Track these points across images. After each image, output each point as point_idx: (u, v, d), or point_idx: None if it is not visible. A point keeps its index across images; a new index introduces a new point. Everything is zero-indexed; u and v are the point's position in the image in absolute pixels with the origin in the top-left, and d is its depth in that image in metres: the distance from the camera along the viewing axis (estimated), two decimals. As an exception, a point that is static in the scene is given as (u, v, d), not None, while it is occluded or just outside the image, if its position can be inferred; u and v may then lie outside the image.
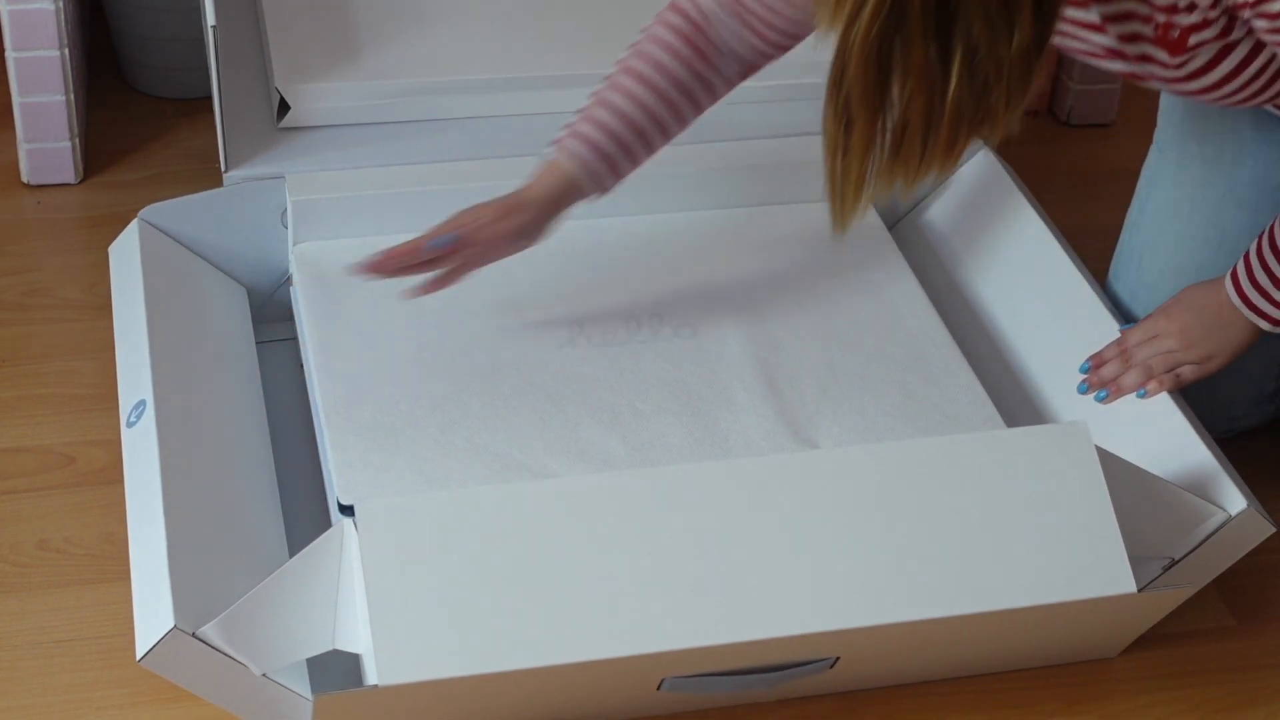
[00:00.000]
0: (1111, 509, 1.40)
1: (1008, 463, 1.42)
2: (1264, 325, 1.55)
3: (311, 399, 1.59)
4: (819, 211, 1.77)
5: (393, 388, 1.55)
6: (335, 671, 1.43)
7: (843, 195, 1.34)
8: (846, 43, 1.24)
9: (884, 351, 1.63)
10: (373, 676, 1.30)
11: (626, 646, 1.32)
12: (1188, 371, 1.57)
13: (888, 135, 1.29)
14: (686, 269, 1.71)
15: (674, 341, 1.63)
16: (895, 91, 1.26)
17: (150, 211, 1.67)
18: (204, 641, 1.30)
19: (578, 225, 1.74)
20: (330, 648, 1.35)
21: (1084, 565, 1.39)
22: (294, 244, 1.69)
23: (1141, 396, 1.57)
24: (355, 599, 1.32)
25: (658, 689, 1.40)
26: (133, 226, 1.66)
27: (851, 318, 1.67)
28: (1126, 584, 1.39)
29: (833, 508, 1.38)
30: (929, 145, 1.29)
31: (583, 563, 1.33)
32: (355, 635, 1.33)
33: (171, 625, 1.29)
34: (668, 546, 1.35)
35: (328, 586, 1.33)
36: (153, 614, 1.32)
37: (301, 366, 1.64)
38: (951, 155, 1.30)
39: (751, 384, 1.58)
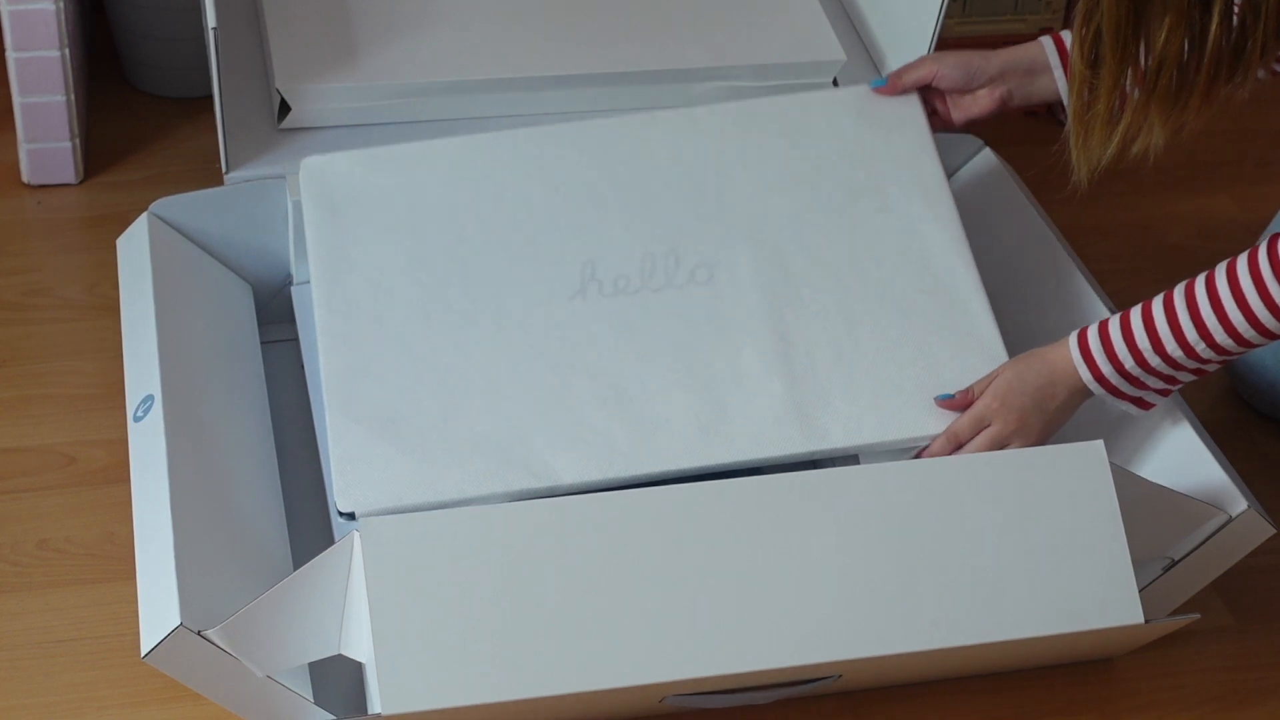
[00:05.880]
0: (1124, 536, 1.40)
1: (1019, 484, 1.41)
2: (1098, 389, 1.46)
3: (311, 383, 1.58)
4: (852, 98, 1.67)
5: (396, 355, 1.50)
6: (338, 673, 1.43)
7: (1087, 133, 1.34)
8: None
9: (909, 303, 1.56)
10: (376, 705, 1.30)
11: (630, 676, 1.32)
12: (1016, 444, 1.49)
13: (1140, 75, 1.26)
14: (709, 184, 1.61)
15: (689, 289, 1.55)
16: (1151, 29, 1.24)
17: (160, 205, 1.67)
18: (209, 640, 1.30)
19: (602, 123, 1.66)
20: (335, 653, 1.35)
21: (1091, 594, 1.38)
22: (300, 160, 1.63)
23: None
24: (361, 608, 1.32)
25: (659, 702, 1.40)
26: (142, 220, 1.66)
27: (879, 255, 1.58)
28: (1134, 615, 1.39)
29: (839, 530, 1.37)
30: (1184, 88, 1.26)
31: (585, 587, 1.33)
32: (360, 643, 1.33)
33: (177, 623, 1.29)
34: (670, 570, 1.34)
35: (335, 596, 1.33)
36: (158, 611, 1.32)
37: (303, 367, 1.63)
38: (1209, 101, 1.28)
39: (766, 348, 1.52)
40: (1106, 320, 1.46)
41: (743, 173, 1.62)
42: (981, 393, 1.49)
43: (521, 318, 1.53)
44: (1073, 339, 1.47)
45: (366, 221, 1.58)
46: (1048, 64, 1.66)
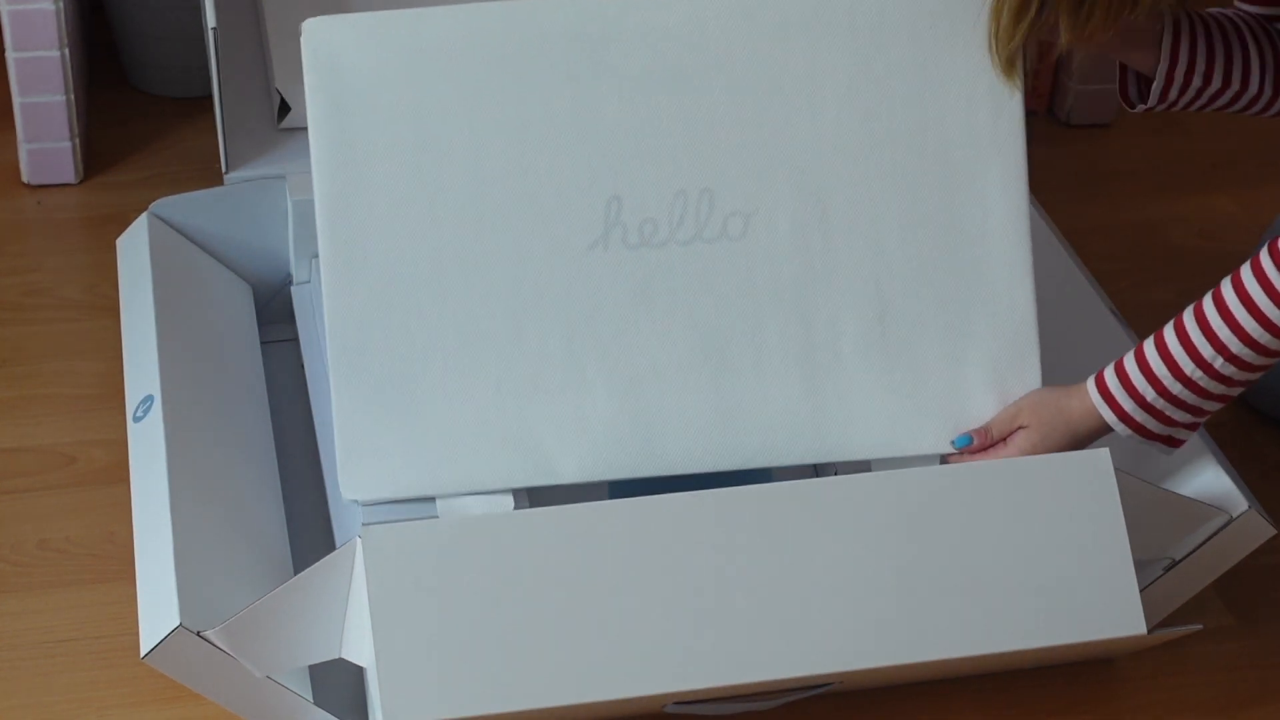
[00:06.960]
0: (1128, 545, 1.39)
1: (1024, 492, 1.40)
2: (1121, 429, 1.43)
3: (312, 383, 1.57)
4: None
5: (404, 317, 1.43)
6: (338, 673, 1.43)
7: (999, 25, 1.39)
8: None
9: (949, 287, 1.48)
10: (379, 717, 1.30)
11: (633, 687, 1.32)
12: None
13: None
14: (758, 97, 1.46)
15: (719, 244, 1.45)
16: None
17: (160, 205, 1.67)
18: (208, 641, 1.30)
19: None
20: (336, 656, 1.35)
21: (1094, 604, 1.38)
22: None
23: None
24: (363, 613, 1.31)
25: (662, 710, 1.39)
26: (141, 220, 1.66)
27: (929, 216, 1.47)
28: (1137, 625, 1.38)
29: (843, 538, 1.36)
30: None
31: (588, 597, 1.32)
32: (362, 648, 1.32)
33: (177, 624, 1.29)
34: (674, 579, 1.34)
35: (336, 601, 1.33)
36: (157, 612, 1.32)
37: (303, 367, 1.63)
38: (1111, 17, 1.35)
39: (790, 330, 1.45)
40: (1121, 358, 1.44)
41: (797, 85, 1.47)
42: (1002, 436, 1.47)
43: (538, 271, 1.43)
44: (1091, 384, 1.44)
45: (375, 130, 1.44)
46: (1156, 39, 1.48)
